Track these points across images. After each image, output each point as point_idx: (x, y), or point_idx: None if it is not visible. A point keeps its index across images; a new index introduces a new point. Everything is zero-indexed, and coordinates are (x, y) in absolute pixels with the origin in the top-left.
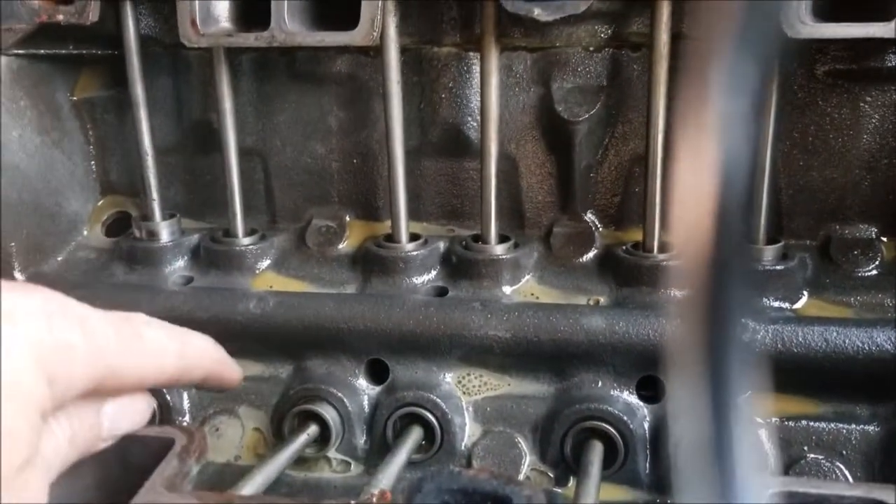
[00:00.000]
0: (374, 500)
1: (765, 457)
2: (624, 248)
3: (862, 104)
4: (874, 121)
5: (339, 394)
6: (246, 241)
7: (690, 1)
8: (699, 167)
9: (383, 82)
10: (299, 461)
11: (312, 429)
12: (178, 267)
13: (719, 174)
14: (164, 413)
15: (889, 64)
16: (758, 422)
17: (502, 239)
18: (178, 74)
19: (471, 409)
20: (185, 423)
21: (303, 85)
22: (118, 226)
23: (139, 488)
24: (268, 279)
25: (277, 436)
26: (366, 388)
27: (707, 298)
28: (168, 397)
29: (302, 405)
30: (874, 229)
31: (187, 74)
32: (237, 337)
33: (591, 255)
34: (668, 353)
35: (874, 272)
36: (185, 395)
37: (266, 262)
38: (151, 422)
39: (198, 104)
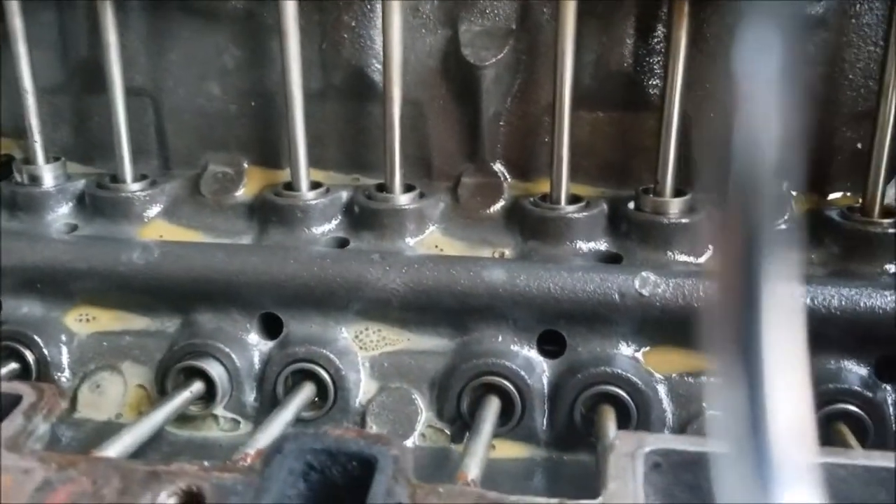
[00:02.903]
0: (249, 461)
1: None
2: (531, 199)
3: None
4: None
5: (227, 349)
6: (134, 186)
7: None
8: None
9: (279, 19)
10: (185, 419)
11: (196, 385)
12: (61, 214)
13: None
14: (42, 368)
15: (807, 11)
16: (658, 377)
17: (408, 189)
18: (63, 8)
19: (367, 364)
20: (63, 380)
21: (197, 21)
22: (2, 170)
23: None
24: (157, 228)
25: (162, 393)
26: (257, 343)
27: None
28: (45, 351)
29: (187, 361)
30: (785, 183)
31: (73, 8)
32: (120, 289)
33: (498, 206)
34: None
35: (784, 226)
36: (65, 350)
37: (156, 210)
38: (26, 377)
39: (85, 40)
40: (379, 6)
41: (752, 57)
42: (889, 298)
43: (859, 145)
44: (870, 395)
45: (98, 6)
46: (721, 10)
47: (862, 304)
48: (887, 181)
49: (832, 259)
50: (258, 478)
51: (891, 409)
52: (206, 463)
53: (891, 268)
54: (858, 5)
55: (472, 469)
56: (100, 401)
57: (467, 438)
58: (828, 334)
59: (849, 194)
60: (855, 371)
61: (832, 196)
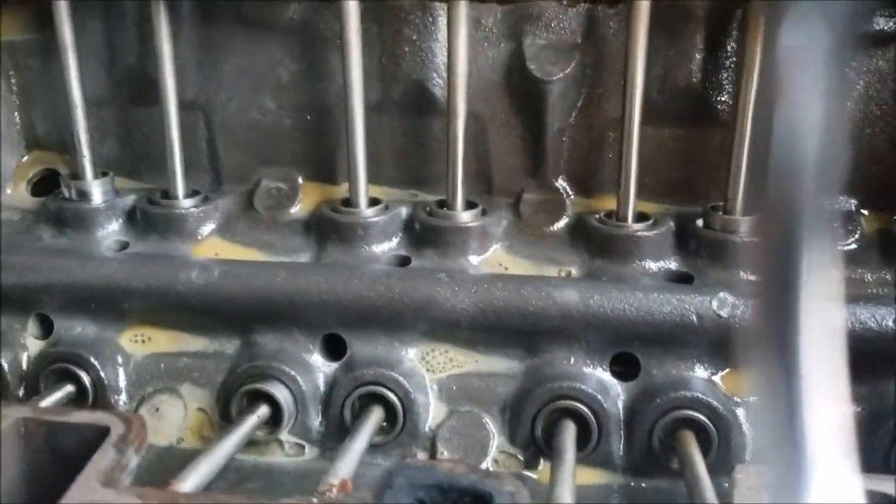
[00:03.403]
0: (335, 491)
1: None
2: (597, 216)
3: (848, 70)
4: (857, 88)
5: (292, 371)
6: (187, 203)
7: None
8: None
9: (341, 31)
10: (248, 444)
11: (263, 409)
12: (111, 231)
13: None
14: (98, 391)
15: (876, 27)
16: (737, 401)
17: (469, 205)
18: (112, 17)
19: (435, 387)
20: (121, 403)
21: (251, 32)
22: (45, 184)
23: (70, 482)
24: (212, 246)
25: (224, 417)
26: (321, 366)
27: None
28: (102, 374)
29: (251, 384)
30: (854, 201)
31: (122, 17)
32: (178, 309)
33: (561, 223)
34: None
35: (854, 246)
36: (121, 372)
37: (210, 227)
38: (83, 403)
39: (134, 51)
40: (441, 19)
41: (799, 63)
42: None
43: None
44: None
45: (152, 16)
46: None
47: None
48: None
49: None
50: None
51: None
52: (314, 500)
53: None
54: None
55: (566, 497)
56: (160, 425)
57: (550, 465)
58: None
59: None
60: None
61: None
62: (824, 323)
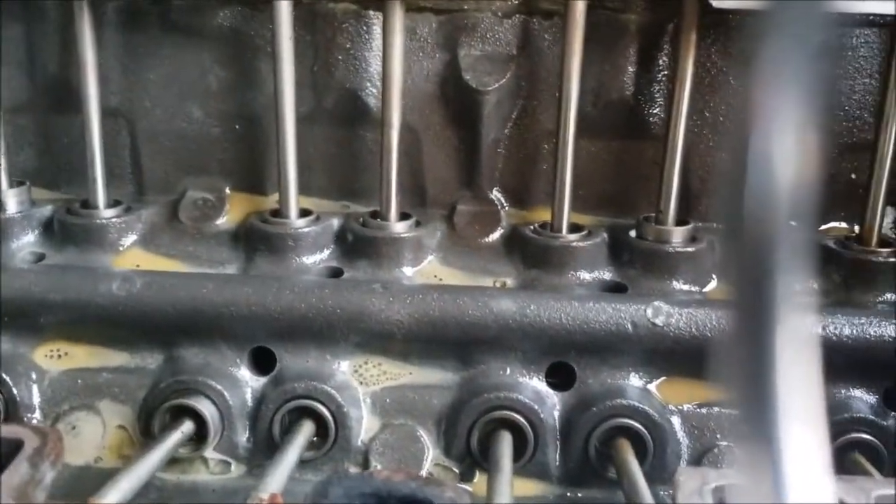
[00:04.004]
0: None
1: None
2: (531, 227)
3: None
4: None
5: (219, 386)
6: (108, 213)
7: None
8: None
9: (272, 38)
10: (171, 462)
11: (187, 425)
12: (26, 242)
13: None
14: (10, 409)
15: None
16: (672, 409)
17: (403, 217)
18: (33, 20)
19: (368, 400)
20: (35, 421)
21: (178, 39)
22: None
23: None
24: (134, 257)
25: (146, 434)
26: (249, 380)
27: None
28: (14, 391)
29: (175, 399)
30: None
31: (42, 22)
32: (97, 322)
33: (496, 235)
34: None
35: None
36: (35, 389)
37: (132, 238)
38: None
39: (54, 57)
40: (375, 28)
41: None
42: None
43: (853, 176)
44: (882, 423)
45: (75, 19)
46: (725, 40)
47: (871, 333)
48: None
49: (834, 288)
50: None
51: None
52: None
53: (891, 297)
54: (854, 38)
55: None
56: (76, 443)
57: (479, 477)
58: (836, 364)
59: (843, 224)
60: (865, 400)
61: (825, 226)
62: (799, 346)
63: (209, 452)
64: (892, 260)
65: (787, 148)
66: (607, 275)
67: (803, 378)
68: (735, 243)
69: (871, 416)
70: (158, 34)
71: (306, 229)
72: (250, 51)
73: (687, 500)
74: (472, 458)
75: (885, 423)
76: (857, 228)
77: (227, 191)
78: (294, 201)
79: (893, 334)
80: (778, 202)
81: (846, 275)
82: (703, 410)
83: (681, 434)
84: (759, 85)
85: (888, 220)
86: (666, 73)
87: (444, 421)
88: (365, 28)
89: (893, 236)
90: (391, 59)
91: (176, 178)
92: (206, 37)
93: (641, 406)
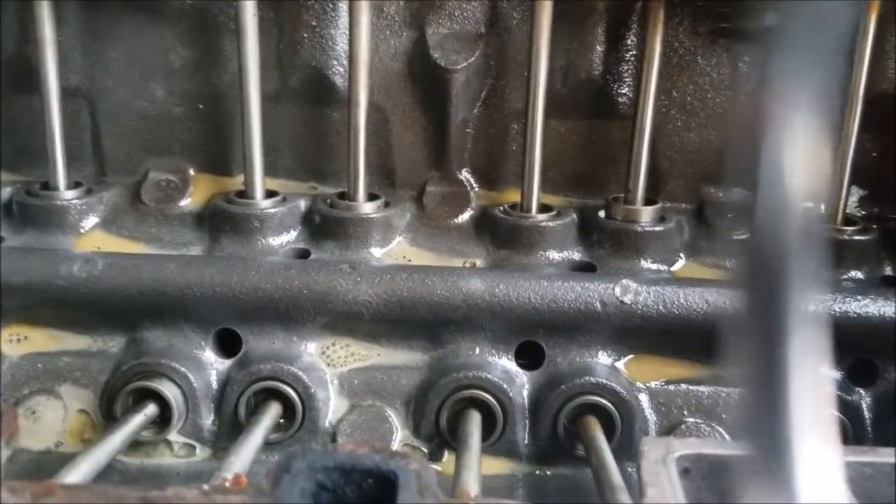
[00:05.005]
0: (228, 484)
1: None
2: (501, 208)
3: (742, 64)
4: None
5: (182, 368)
6: (68, 194)
7: None
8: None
9: (236, 16)
10: (134, 446)
11: (150, 408)
12: None
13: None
14: None
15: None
16: (640, 386)
17: (371, 197)
18: None
19: (336, 381)
20: None
21: (140, 16)
22: None
23: None
24: (95, 239)
25: (108, 418)
26: (214, 362)
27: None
28: None
29: (137, 382)
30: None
31: None
32: (58, 305)
33: (466, 216)
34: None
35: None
36: None
37: (93, 221)
38: None
39: (11, 35)
40: (342, 5)
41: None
42: (861, 304)
43: None
44: (848, 398)
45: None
46: (693, 20)
47: (836, 310)
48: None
49: None
50: (268, 501)
51: (866, 412)
52: (205, 486)
53: (856, 274)
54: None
55: (472, 485)
56: (36, 428)
57: (454, 455)
58: None
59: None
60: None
61: None
62: (812, 358)
63: (173, 436)
64: (856, 238)
65: (798, 158)
66: (576, 254)
67: (815, 390)
68: (749, 253)
69: (838, 392)
70: (119, 11)
71: (272, 210)
72: (214, 28)
73: (651, 469)
74: (442, 438)
75: (850, 398)
76: (822, 207)
77: (191, 172)
78: (259, 182)
79: (858, 311)
80: (791, 213)
81: None
82: (671, 387)
83: (648, 411)
84: (770, 94)
85: (853, 199)
86: (635, 52)
87: (413, 401)
88: (331, 6)
89: (858, 215)
90: (358, 37)
91: (138, 158)
92: (169, 14)
93: (609, 383)
